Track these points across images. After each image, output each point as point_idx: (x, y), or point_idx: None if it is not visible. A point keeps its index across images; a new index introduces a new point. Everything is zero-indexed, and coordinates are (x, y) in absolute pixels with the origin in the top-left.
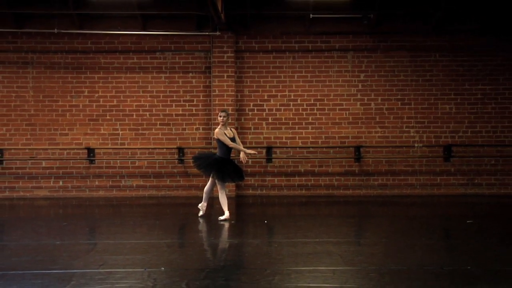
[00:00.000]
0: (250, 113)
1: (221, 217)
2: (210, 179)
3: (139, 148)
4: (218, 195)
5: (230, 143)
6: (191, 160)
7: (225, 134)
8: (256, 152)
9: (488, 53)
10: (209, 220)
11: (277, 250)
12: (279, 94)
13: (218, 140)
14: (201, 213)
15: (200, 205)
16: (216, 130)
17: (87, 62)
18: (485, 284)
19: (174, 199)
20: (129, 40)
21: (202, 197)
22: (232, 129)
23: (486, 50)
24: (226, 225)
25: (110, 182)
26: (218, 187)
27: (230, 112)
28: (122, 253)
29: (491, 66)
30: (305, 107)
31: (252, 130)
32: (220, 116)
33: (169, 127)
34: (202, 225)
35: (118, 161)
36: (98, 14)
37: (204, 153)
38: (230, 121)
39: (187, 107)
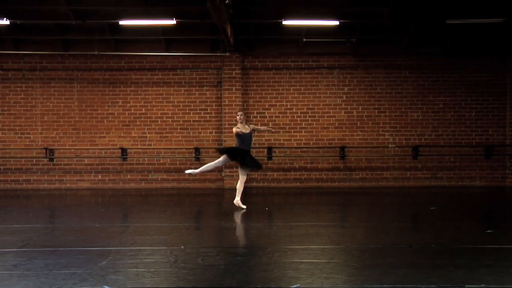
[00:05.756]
0: (254, 119)
1: (234, 201)
2: (240, 176)
3: (163, 148)
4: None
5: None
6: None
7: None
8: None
9: (447, 71)
10: (220, 207)
11: (276, 232)
12: (278, 104)
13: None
14: (243, 207)
15: (235, 201)
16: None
17: (121, 78)
18: (445, 258)
19: (191, 190)
20: (155, 60)
21: (235, 192)
22: (249, 125)
23: (446, 68)
24: (235, 211)
25: (140, 176)
26: (240, 173)
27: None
28: (149, 234)
29: (450, 81)
30: (299, 114)
31: (256, 133)
32: (239, 115)
33: (187, 130)
34: (214, 211)
35: (146, 159)
36: (130, 38)
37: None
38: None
39: (202, 115)
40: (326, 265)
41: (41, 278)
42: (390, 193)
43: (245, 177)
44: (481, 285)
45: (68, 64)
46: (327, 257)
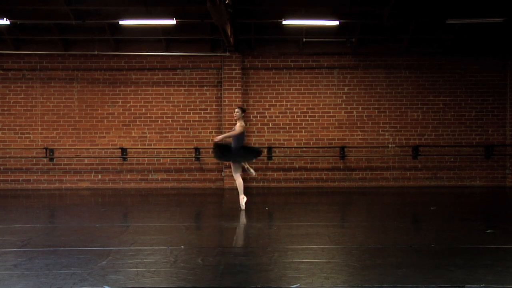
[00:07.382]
0: (254, 119)
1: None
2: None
3: (163, 148)
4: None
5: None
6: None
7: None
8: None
9: (447, 71)
10: (221, 207)
11: (276, 232)
12: (278, 103)
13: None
14: (242, 207)
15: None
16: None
17: (121, 78)
18: (445, 258)
19: (191, 190)
20: (155, 60)
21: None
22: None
23: (446, 68)
24: (235, 211)
25: (140, 176)
26: (233, 171)
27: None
28: (149, 234)
29: (450, 81)
30: (299, 114)
31: (256, 133)
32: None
33: (187, 130)
34: (214, 211)
35: (146, 158)
36: (130, 38)
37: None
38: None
39: (202, 115)
40: (326, 265)
41: (41, 278)
42: (390, 193)
43: (239, 175)
44: (481, 285)
45: (68, 64)
46: (327, 257)
